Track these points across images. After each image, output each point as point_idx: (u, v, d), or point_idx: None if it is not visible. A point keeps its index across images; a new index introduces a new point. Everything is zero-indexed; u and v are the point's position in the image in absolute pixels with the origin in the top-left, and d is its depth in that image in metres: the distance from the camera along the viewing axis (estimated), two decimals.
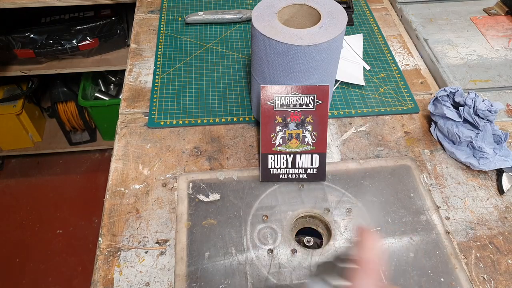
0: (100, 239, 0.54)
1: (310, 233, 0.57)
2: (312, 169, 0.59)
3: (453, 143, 0.64)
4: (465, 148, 0.62)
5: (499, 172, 0.62)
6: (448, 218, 0.57)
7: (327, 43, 0.55)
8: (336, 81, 0.75)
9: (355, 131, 0.68)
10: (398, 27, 0.89)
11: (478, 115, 0.61)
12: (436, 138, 0.66)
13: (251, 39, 0.60)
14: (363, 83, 0.75)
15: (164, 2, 0.92)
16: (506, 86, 0.74)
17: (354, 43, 0.82)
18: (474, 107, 0.61)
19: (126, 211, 0.57)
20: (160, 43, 0.82)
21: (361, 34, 0.85)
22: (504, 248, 0.54)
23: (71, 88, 1.68)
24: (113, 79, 1.76)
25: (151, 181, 0.60)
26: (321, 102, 0.58)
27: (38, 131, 1.76)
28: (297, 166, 0.59)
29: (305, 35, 0.55)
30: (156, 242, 0.54)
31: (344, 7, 0.61)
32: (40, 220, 1.64)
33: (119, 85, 1.77)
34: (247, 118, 0.68)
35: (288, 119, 0.58)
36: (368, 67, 0.78)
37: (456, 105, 0.64)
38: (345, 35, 0.84)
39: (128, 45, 1.22)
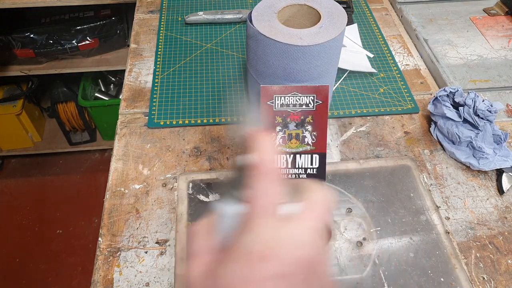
0: (100, 239, 0.54)
1: None
2: (312, 169, 0.59)
3: (453, 143, 0.64)
4: (465, 148, 0.62)
5: (499, 172, 0.62)
6: (448, 218, 0.57)
7: (327, 43, 0.55)
8: (344, 71, 0.75)
9: (355, 131, 0.68)
10: (398, 27, 0.89)
11: (478, 115, 0.61)
12: (436, 138, 0.66)
13: (247, 39, 0.60)
14: (374, 70, 0.75)
15: (164, 2, 0.92)
16: (506, 86, 0.74)
17: (351, 34, 0.83)
18: (474, 107, 0.61)
19: (126, 211, 0.57)
20: (160, 43, 0.82)
21: (356, 24, 0.85)
22: (504, 248, 0.54)
23: (71, 88, 1.68)
24: (113, 79, 1.76)
25: (151, 181, 0.60)
26: (321, 102, 0.58)
27: (38, 131, 1.76)
28: (297, 166, 0.59)
29: (305, 35, 0.55)
30: (156, 242, 0.54)
31: (344, 7, 0.61)
32: (40, 220, 1.64)
33: (119, 85, 1.77)
34: None
35: (288, 119, 0.58)
36: (371, 55, 0.78)
37: (456, 105, 0.64)
38: None
39: (128, 45, 1.22)
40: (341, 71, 0.76)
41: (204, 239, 0.28)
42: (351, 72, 0.76)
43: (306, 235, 0.25)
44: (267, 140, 0.27)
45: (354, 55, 0.78)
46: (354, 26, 0.85)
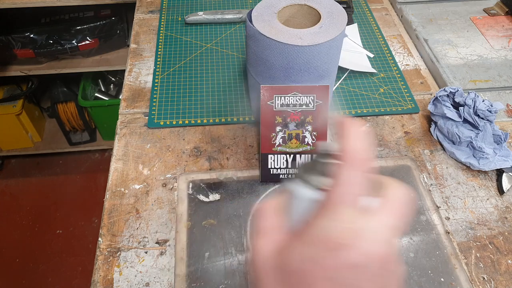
0: (100, 239, 0.54)
1: None
2: None
3: (453, 143, 0.64)
4: (465, 148, 0.62)
5: (499, 172, 0.62)
6: (448, 218, 0.57)
7: (327, 43, 0.55)
8: (345, 71, 0.75)
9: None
10: (398, 27, 0.89)
11: (478, 115, 0.61)
12: (436, 138, 0.66)
13: (246, 39, 0.60)
14: (374, 70, 0.76)
15: (164, 2, 0.92)
16: (506, 86, 0.74)
17: (351, 34, 0.83)
18: (474, 107, 0.61)
19: (126, 211, 0.57)
20: (160, 43, 0.82)
21: (356, 23, 0.86)
22: (504, 248, 0.54)
23: (71, 88, 1.68)
24: (113, 79, 1.76)
25: (151, 181, 0.60)
26: (321, 102, 0.58)
27: (38, 131, 1.76)
28: (297, 166, 0.59)
29: (305, 35, 0.55)
30: (156, 242, 0.54)
31: (344, 7, 0.61)
32: (40, 220, 1.64)
33: (119, 85, 1.77)
34: (247, 118, 0.68)
35: (288, 119, 0.58)
36: (371, 55, 0.78)
37: (456, 105, 0.64)
38: None
39: (128, 45, 1.22)
40: (341, 71, 0.76)
41: (274, 218, 0.28)
42: (352, 72, 0.76)
43: (384, 231, 0.25)
44: (358, 129, 0.26)
45: (355, 55, 0.78)
46: (354, 26, 0.85)
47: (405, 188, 0.27)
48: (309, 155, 0.59)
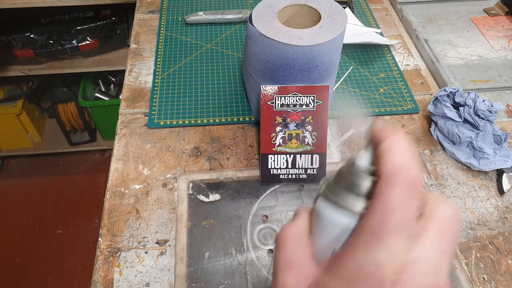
0: (100, 239, 0.54)
1: None
2: (312, 170, 0.59)
3: (453, 143, 0.64)
4: (465, 148, 0.62)
5: (499, 173, 0.62)
6: None
7: (327, 43, 0.55)
8: (345, 71, 0.75)
9: (355, 131, 0.68)
10: (398, 27, 0.88)
11: (478, 115, 0.61)
12: (436, 139, 0.66)
13: (246, 39, 0.60)
14: (394, 42, 0.81)
15: (164, 2, 0.92)
16: (506, 86, 0.74)
17: (349, 19, 0.84)
18: (474, 107, 0.61)
19: (126, 211, 0.57)
20: (160, 43, 0.82)
21: (347, 8, 0.88)
22: (504, 249, 0.54)
23: (71, 88, 1.68)
24: (113, 79, 1.76)
25: (151, 181, 0.60)
26: (321, 102, 0.58)
27: (38, 131, 1.76)
28: (297, 167, 0.59)
29: (305, 35, 0.55)
30: (156, 243, 0.54)
31: (344, 7, 0.61)
32: (40, 220, 1.64)
33: (119, 85, 1.77)
34: (247, 118, 0.68)
35: (288, 119, 0.58)
36: (378, 31, 0.81)
37: (456, 105, 0.64)
38: None
39: (128, 45, 1.22)
40: (341, 71, 0.76)
41: (300, 247, 0.24)
42: (352, 72, 0.76)
43: (436, 259, 0.21)
44: (403, 137, 0.22)
45: (364, 36, 0.79)
46: (348, 11, 0.86)
47: (453, 205, 0.23)
48: (310, 155, 0.59)
